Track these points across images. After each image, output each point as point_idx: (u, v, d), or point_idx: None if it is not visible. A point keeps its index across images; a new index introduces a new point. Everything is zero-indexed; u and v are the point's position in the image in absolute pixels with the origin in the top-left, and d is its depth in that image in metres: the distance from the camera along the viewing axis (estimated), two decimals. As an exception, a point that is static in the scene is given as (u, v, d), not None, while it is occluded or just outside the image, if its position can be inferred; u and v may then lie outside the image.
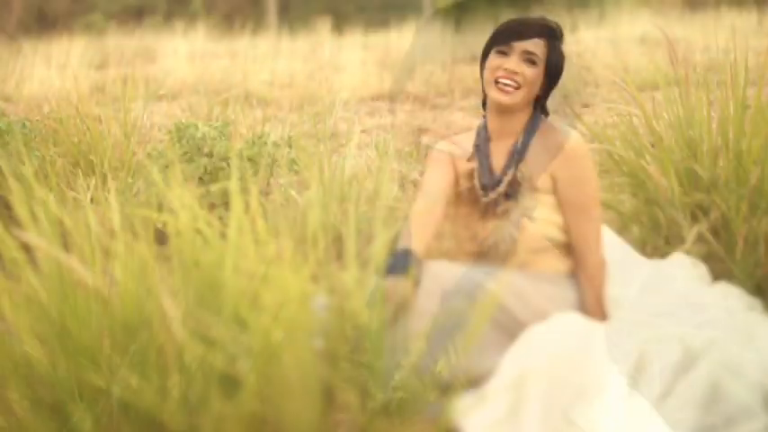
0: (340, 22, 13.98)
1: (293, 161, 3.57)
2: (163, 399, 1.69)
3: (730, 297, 2.49)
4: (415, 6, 16.65)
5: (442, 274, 2.26)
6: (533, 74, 2.44)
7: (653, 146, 2.99)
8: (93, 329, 1.74)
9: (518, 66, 2.43)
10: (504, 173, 2.46)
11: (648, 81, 6.60)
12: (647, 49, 8.43)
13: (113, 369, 1.71)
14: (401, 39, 10.42)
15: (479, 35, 11.43)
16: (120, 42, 10.72)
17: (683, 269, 2.60)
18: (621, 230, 2.88)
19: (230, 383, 1.73)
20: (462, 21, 13.52)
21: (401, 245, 2.31)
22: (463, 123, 6.16)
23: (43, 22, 15.55)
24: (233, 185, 1.86)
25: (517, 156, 2.46)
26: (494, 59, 2.46)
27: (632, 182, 3.01)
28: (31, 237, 1.77)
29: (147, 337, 1.75)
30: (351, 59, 8.35)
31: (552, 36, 2.50)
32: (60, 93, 6.71)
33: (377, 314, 1.83)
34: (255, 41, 10.98)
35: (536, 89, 2.47)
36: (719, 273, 2.73)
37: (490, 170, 2.49)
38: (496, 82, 2.44)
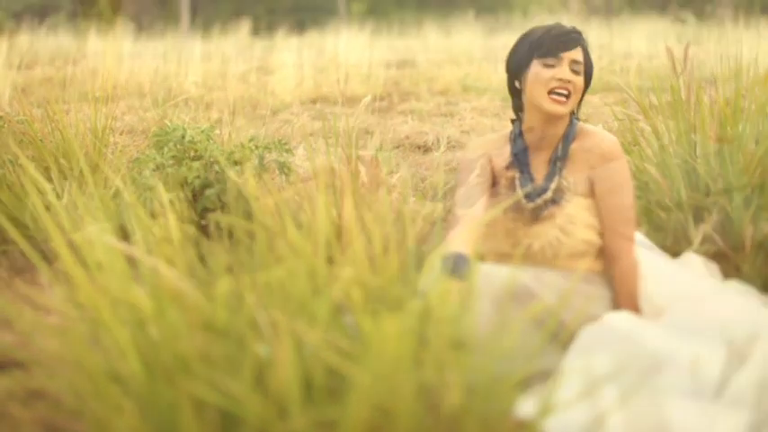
0: (252, 25, 13.87)
1: (283, 164, 3.52)
2: (267, 407, 1.65)
3: (744, 294, 2.59)
4: (327, 9, 16.68)
5: (491, 277, 2.27)
6: (581, 81, 2.50)
7: (656, 150, 3.07)
8: (186, 338, 1.68)
9: (569, 75, 2.47)
10: (549, 180, 2.49)
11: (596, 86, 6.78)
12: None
13: (211, 379, 1.66)
14: (322, 40, 10.37)
15: (403, 39, 11.49)
16: (35, 42, 10.33)
17: (696, 268, 2.68)
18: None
19: (336, 389, 1.70)
20: (379, 24, 13.60)
21: (451, 249, 2.32)
22: (411, 126, 6.19)
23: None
24: (321, 194, 1.83)
25: (560, 163, 2.50)
26: (543, 71, 2.49)
27: (636, 184, 3.08)
28: (123, 245, 1.70)
29: (241, 346, 1.71)
30: (283, 61, 8.28)
31: (584, 43, 2.55)
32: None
33: (464, 314, 1.83)
34: (177, 42, 10.76)
35: (580, 96, 2.52)
36: (725, 272, 2.83)
37: (530, 178, 2.53)
38: (550, 93, 2.47)
